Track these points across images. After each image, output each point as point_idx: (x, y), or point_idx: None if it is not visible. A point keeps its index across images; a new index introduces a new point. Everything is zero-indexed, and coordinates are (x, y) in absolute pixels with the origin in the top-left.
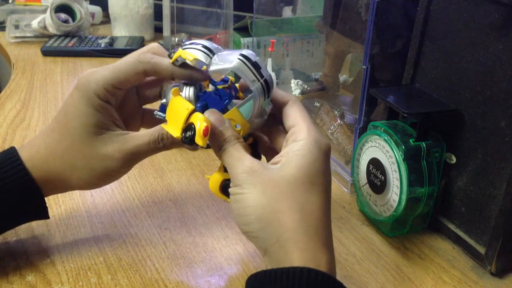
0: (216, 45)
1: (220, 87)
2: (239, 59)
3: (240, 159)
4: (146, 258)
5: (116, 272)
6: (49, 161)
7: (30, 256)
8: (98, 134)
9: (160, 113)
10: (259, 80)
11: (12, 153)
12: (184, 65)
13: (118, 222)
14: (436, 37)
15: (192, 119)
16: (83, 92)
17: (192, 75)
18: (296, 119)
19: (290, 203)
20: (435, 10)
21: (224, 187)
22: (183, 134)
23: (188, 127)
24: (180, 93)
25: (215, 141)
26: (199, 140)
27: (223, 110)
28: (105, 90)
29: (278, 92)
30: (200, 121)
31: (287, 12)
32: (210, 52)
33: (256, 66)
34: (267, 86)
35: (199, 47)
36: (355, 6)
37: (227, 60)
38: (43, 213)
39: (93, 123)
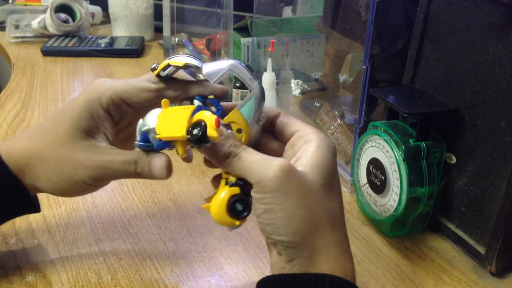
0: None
1: (211, 96)
2: (233, 59)
3: (265, 160)
4: (146, 258)
5: (116, 272)
6: (24, 153)
7: (30, 256)
8: (81, 139)
9: (142, 144)
10: (256, 79)
11: None
12: (172, 82)
13: (118, 222)
14: (436, 37)
15: (198, 117)
16: (88, 96)
17: (207, 88)
18: (298, 125)
19: (322, 214)
20: (435, 10)
21: (233, 206)
22: (189, 133)
23: (195, 125)
24: None
25: (218, 151)
26: (212, 132)
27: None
28: (110, 99)
29: (265, 107)
30: (209, 115)
31: (287, 12)
32: (195, 57)
33: (249, 68)
34: (262, 87)
35: (186, 56)
36: (355, 6)
37: (220, 64)
38: (31, 206)
39: (82, 128)
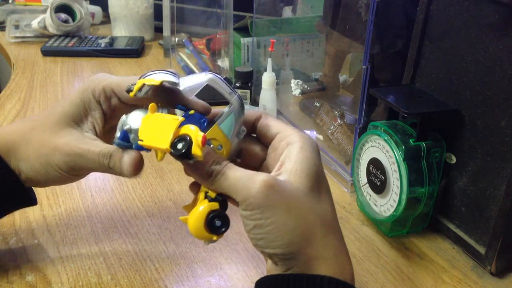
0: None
1: (191, 112)
2: (210, 73)
3: (248, 177)
4: (146, 258)
5: (116, 272)
6: (12, 134)
7: (30, 256)
8: (67, 126)
9: (121, 142)
10: (235, 92)
11: None
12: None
13: (118, 222)
14: (436, 37)
15: (184, 130)
16: (85, 86)
17: (189, 102)
18: (278, 126)
19: (314, 220)
20: (435, 10)
21: (211, 222)
22: (173, 147)
23: (180, 139)
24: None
25: (199, 168)
26: (197, 150)
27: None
28: (103, 90)
29: (247, 112)
30: (194, 130)
31: (287, 12)
32: (172, 73)
33: (227, 80)
34: (241, 100)
35: (161, 72)
36: (355, 6)
37: (197, 78)
38: (27, 198)
39: (71, 114)
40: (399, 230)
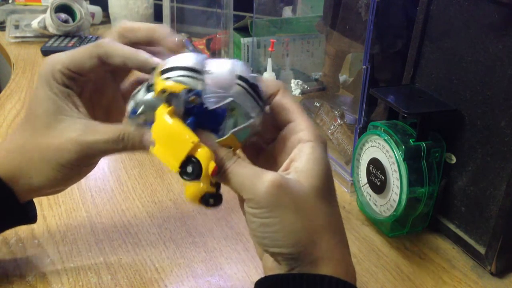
0: (197, 57)
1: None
2: (238, 84)
3: (256, 176)
4: (146, 258)
5: (116, 272)
6: (13, 156)
7: (30, 256)
8: (57, 122)
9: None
10: (259, 105)
11: None
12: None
13: (118, 222)
14: (436, 37)
15: (197, 153)
16: (43, 77)
17: (147, 62)
18: (294, 113)
19: (321, 221)
20: (435, 10)
21: (206, 199)
22: (182, 167)
23: (188, 160)
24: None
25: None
26: (205, 180)
27: (216, 130)
28: (61, 73)
29: (268, 80)
30: (207, 158)
31: (287, 12)
32: (196, 72)
33: (254, 87)
34: (263, 106)
35: (182, 73)
36: (355, 6)
37: (223, 85)
38: (25, 217)
39: (53, 110)
40: (399, 230)
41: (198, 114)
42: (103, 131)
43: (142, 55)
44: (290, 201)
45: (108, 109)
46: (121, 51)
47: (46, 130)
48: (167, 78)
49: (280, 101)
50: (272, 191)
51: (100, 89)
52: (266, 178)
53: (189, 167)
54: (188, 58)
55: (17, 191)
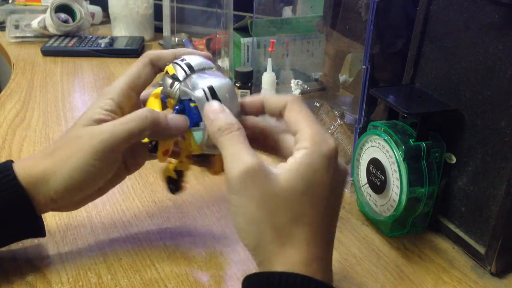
0: (202, 61)
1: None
2: (203, 90)
3: (237, 156)
4: (146, 258)
5: (116, 272)
6: (41, 160)
7: (30, 256)
8: (92, 126)
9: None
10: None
11: (6, 167)
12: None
13: (118, 222)
14: (436, 37)
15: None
16: (99, 96)
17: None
18: (298, 124)
19: (287, 218)
20: (435, 10)
21: (168, 182)
22: (148, 144)
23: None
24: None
25: (211, 132)
26: (161, 159)
27: (198, 126)
28: (121, 91)
29: (271, 99)
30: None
31: (287, 12)
32: (190, 68)
33: (215, 98)
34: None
35: (181, 64)
36: (355, 6)
37: (196, 86)
38: (39, 231)
39: (94, 118)
40: (399, 230)
41: (186, 106)
42: (129, 117)
43: (185, 49)
44: (258, 193)
45: (129, 163)
46: (169, 51)
47: (80, 131)
48: (174, 63)
49: (288, 115)
50: (243, 177)
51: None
52: (245, 162)
53: (151, 144)
54: (195, 58)
55: (37, 200)
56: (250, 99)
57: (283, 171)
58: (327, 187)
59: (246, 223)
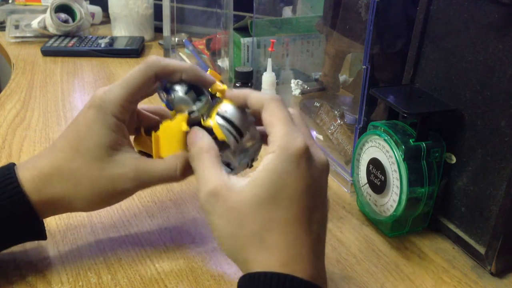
0: (243, 119)
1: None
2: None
3: (204, 179)
4: (146, 258)
5: (116, 272)
6: (53, 182)
7: (30, 256)
8: (110, 156)
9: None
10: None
11: (9, 171)
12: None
13: (118, 222)
14: (436, 37)
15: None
16: (100, 113)
17: (203, 78)
18: (271, 126)
19: (256, 227)
20: (435, 10)
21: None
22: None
23: None
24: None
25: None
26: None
27: None
28: (122, 108)
29: (251, 98)
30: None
31: (287, 12)
32: (238, 131)
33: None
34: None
35: (230, 128)
36: (355, 6)
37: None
38: (40, 234)
39: (108, 144)
40: (399, 230)
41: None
42: (159, 166)
43: (199, 69)
44: (223, 210)
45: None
46: (177, 64)
47: (100, 162)
48: (220, 124)
49: (263, 116)
50: (208, 198)
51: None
52: (209, 183)
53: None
54: (237, 117)
55: (45, 213)
56: (235, 93)
57: (247, 182)
58: (298, 188)
59: (221, 237)
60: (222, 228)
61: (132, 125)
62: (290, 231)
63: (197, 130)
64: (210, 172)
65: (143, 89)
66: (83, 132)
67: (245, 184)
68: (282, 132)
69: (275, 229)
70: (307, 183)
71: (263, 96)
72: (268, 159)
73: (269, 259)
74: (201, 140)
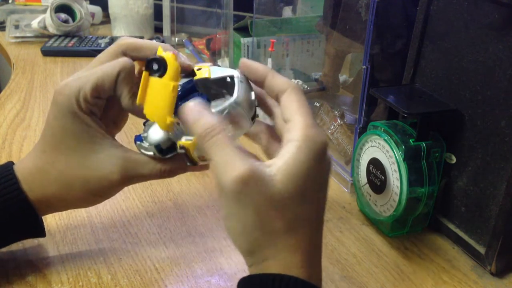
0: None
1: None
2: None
3: (229, 162)
4: (146, 258)
5: (116, 272)
6: (44, 184)
7: (30, 256)
8: (94, 152)
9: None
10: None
11: (7, 169)
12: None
13: (118, 222)
14: (436, 37)
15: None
16: (65, 108)
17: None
18: (292, 113)
19: (282, 223)
20: (435, 10)
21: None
22: (150, 66)
23: (155, 60)
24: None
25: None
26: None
27: None
28: (87, 102)
29: (276, 79)
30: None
31: (287, 12)
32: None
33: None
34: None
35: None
36: (355, 6)
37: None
38: (39, 232)
39: (86, 140)
40: (399, 230)
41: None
42: (145, 162)
43: (162, 43)
44: (253, 201)
45: (115, 120)
46: (148, 42)
47: (85, 162)
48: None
49: (285, 100)
50: (237, 187)
51: (109, 103)
52: (237, 169)
53: (155, 64)
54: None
55: (42, 211)
56: (256, 67)
57: (278, 171)
58: (318, 185)
59: (239, 229)
60: (246, 219)
61: (122, 115)
62: (311, 232)
63: (199, 103)
64: (232, 154)
65: (113, 78)
66: (57, 131)
67: (275, 173)
68: (306, 122)
69: (300, 228)
70: (325, 179)
71: (287, 81)
72: (293, 147)
73: (287, 259)
74: (209, 116)
